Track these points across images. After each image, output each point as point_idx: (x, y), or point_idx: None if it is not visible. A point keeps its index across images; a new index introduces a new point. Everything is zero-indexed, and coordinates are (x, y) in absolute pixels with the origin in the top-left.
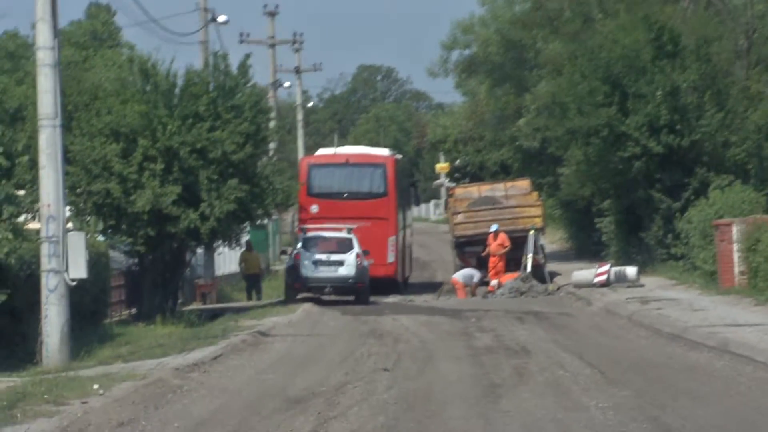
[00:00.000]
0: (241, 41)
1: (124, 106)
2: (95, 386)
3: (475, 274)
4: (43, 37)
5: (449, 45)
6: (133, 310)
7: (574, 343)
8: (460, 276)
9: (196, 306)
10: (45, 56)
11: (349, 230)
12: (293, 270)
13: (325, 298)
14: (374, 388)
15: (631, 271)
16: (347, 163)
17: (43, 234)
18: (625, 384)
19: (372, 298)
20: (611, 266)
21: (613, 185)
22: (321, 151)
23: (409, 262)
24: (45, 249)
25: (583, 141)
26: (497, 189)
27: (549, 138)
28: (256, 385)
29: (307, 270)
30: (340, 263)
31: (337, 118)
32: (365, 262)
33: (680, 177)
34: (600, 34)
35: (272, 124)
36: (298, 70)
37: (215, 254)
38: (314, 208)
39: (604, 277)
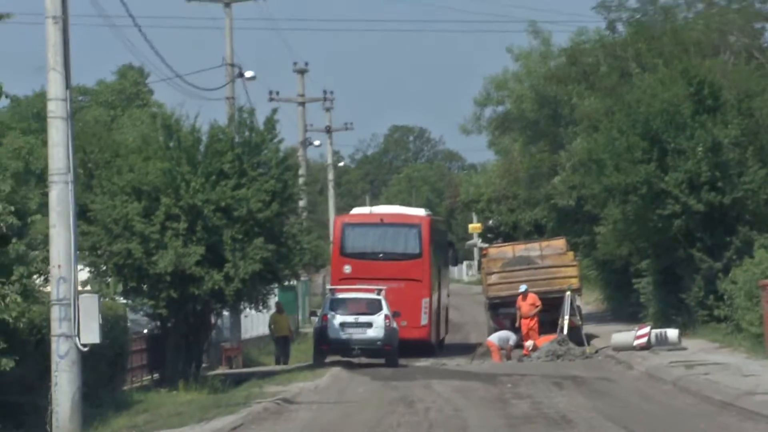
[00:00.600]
0: (271, 99)
1: (146, 163)
2: None
3: (511, 337)
4: (55, 87)
5: (482, 101)
6: (156, 375)
7: (618, 412)
8: (495, 338)
9: (221, 370)
10: (57, 108)
11: (379, 291)
12: (321, 331)
13: (355, 361)
14: None
15: (672, 333)
16: (381, 223)
17: (53, 296)
18: None
19: (404, 361)
20: (651, 328)
21: (651, 244)
22: (356, 210)
23: (445, 324)
24: (55, 312)
25: (620, 198)
26: (532, 249)
27: (585, 196)
28: None
29: (335, 332)
30: (369, 325)
31: (369, 178)
32: (394, 324)
33: (722, 236)
34: (638, 89)
35: (301, 181)
36: (329, 129)
37: (241, 316)
38: (347, 269)
39: (645, 339)
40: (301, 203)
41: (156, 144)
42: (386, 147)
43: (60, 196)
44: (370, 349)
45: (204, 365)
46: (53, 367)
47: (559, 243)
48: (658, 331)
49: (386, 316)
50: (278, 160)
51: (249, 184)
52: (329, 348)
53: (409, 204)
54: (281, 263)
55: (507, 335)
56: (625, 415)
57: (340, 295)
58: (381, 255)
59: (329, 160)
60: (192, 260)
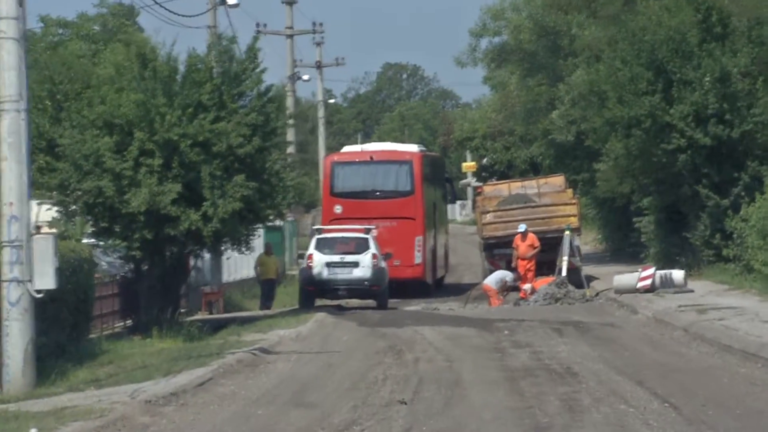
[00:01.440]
0: (258, 31)
1: (119, 95)
2: (32, 430)
3: (507, 275)
4: (6, 4)
5: (478, 32)
6: (129, 322)
7: (627, 363)
8: (492, 281)
9: (201, 316)
10: (8, 28)
11: (368, 230)
12: (306, 272)
13: (344, 303)
14: (387, 431)
15: (678, 275)
16: (372, 161)
17: (4, 237)
18: (711, 426)
19: (395, 304)
20: (656, 270)
21: (655, 181)
22: (346, 149)
23: (444, 263)
24: (6, 255)
25: (623, 133)
26: (529, 186)
27: (585, 131)
28: (238, 426)
29: (321, 272)
30: (355, 264)
31: (362, 117)
32: (383, 263)
33: (730, 172)
34: (642, 16)
35: (286, 114)
36: (319, 65)
37: (223, 259)
38: (338, 209)
39: (649, 281)
40: (289, 138)
41: (130, 74)
42: (379, 85)
43: (12, 126)
44: (357, 289)
45: (182, 311)
46: (3, 315)
47: (558, 180)
48: (662, 272)
49: (374, 255)
50: (260, 92)
51: (229, 117)
52: (315, 290)
53: (402, 142)
54: (263, 202)
55: (503, 275)
56: (635, 366)
57: (326, 235)
58: (372, 193)
59: (319, 97)
60: (167, 199)
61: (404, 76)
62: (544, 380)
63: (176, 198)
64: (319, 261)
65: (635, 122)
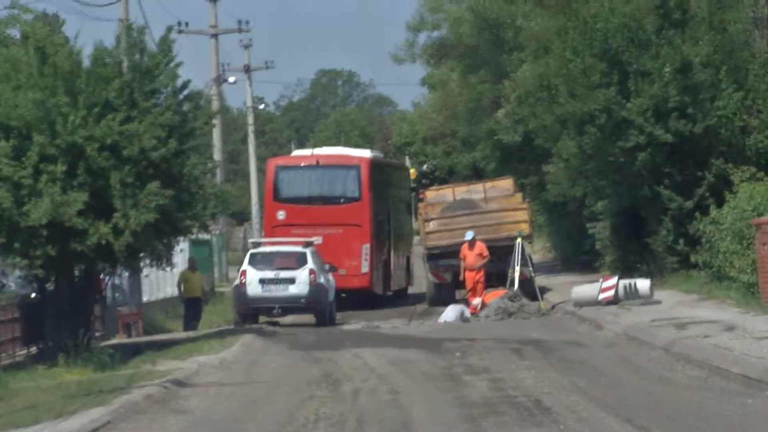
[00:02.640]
0: (180, 31)
1: (15, 93)
2: None
3: (465, 310)
4: None
5: (416, 26)
6: (34, 350)
7: (607, 394)
8: (450, 317)
9: (117, 340)
10: None
11: (308, 244)
12: (239, 290)
13: (281, 320)
14: None
15: (643, 284)
16: (318, 165)
17: None
18: None
19: (342, 316)
20: (618, 279)
21: (611, 183)
22: (295, 153)
23: (405, 275)
24: None
25: (576, 130)
26: (475, 191)
27: (534, 129)
28: None
29: (254, 289)
30: (291, 281)
31: (296, 126)
32: (322, 279)
33: (693, 170)
34: (594, 2)
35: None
36: (247, 69)
37: (141, 276)
38: (281, 215)
39: (612, 292)
40: (214, 142)
41: (27, 70)
42: (313, 92)
43: None
44: (293, 307)
45: (97, 334)
46: None
47: (506, 183)
48: (626, 282)
49: (311, 271)
50: (176, 89)
51: (141, 117)
52: (248, 308)
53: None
54: (182, 212)
55: (460, 309)
56: (617, 397)
57: (261, 249)
58: (317, 199)
59: (248, 103)
60: (73, 210)
61: (339, 82)
62: (511, 419)
63: (83, 209)
64: (252, 278)
65: (589, 118)
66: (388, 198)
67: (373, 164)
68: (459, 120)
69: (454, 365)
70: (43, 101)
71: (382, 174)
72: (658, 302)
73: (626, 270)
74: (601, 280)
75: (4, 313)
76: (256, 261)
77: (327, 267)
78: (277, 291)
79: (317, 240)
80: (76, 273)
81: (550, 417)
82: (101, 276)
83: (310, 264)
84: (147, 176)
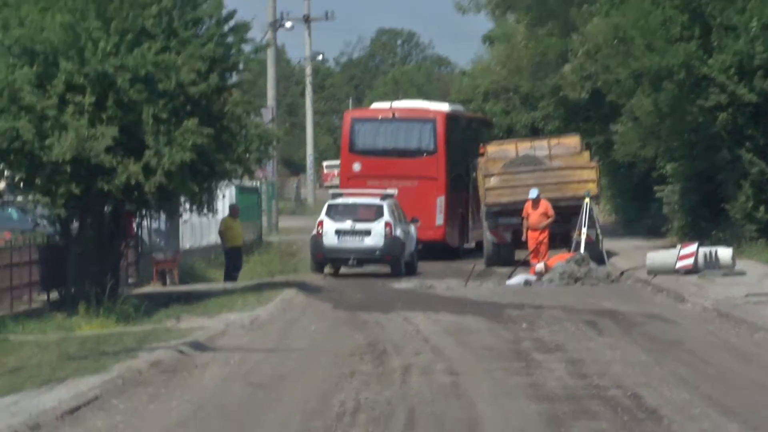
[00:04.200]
0: None
1: (42, 15)
2: None
3: (530, 278)
4: None
5: None
6: (54, 295)
7: (724, 391)
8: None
9: (151, 288)
10: None
11: (385, 196)
12: (316, 240)
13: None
14: None
15: (724, 253)
16: (394, 118)
17: None
18: None
19: (380, 282)
20: (698, 247)
21: (686, 144)
22: (374, 106)
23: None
24: None
25: (652, 86)
26: (539, 147)
27: (604, 86)
28: None
29: (330, 240)
30: (367, 233)
31: (354, 82)
32: (399, 232)
33: None
34: None
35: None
36: (307, 18)
37: (181, 222)
38: (356, 167)
39: (691, 260)
40: (269, 88)
41: None
42: (373, 50)
43: None
44: (368, 259)
45: (131, 281)
46: None
47: (572, 141)
48: (706, 249)
49: (387, 224)
50: (220, 18)
51: (180, 48)
52: (324, 258)
53: None
54: (221, 153)
55: (526, 279)
56: (736, 396)
57: (338, 201)
58: (393, 152)
59: (307, 53)
60: (100, 145)
61: (399, 42)
62: (610, 426)
63: (111, 145)
64: (329, 228)
65: (667, 74)
66: (467, 151)
67: (450, 118)
68: (523, 75)
69: (521, 339)
70: (72, 25)
71: (460, 127)
72: (742, 273)
73: (696, 237)
74: (678, 246)
75: (20, 255)
76: (334, 212)
77: (410, 220)
78: (353, 242)
79: (392, 192)
80: (104, 215)
81: (662, 425)
82: (133, 219)
83: (387, 217)
84: (184, 113)
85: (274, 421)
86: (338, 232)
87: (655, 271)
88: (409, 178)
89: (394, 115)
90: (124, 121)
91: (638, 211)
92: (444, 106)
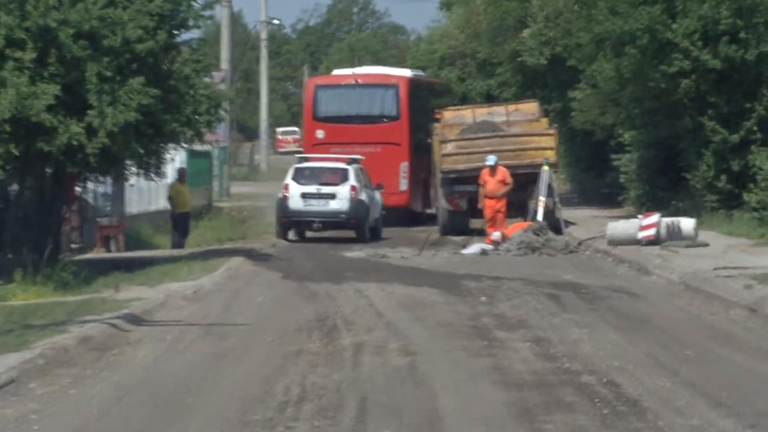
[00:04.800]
0: None
1: None
2: None
3: (485, 246)
4: None
5: None
6: None
7: (708, 377)
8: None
9: (94, 254)
10: None
11: (352, 161)
12: (282, 203)
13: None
14: None
15: (686, 224)
16: (356, 84)
17: None
18: None
19: (334, 248)
20: (660, 217)
21: (648, 111)
22: (335, 72)
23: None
24: None
25: (614, 51)
26: (497, 113)
27: (566, 50)
28: None
29: (296, 203)
30: (332, 196)
31: (310, 50)
32: (364, 196)
33: (741, 101)
34: None
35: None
36: None
37: (127, 186)
38: (320, 133)
39: (653, 231)
40: (225, 58)
41: None
42: (329, 18)
43: None
44: (332, 222)
45: (75, 246)
46: None
47: (530, 107)
48: (668, 220)
49: (352, 187)
50: None
51: (126, 3)
52: (289, 221)
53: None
54: (168, 114)
55: (481, 248)
56: (723, 384)
57: (304, 165)
58: (356, 118)
59: (262, 17)
60: (41, 104)
61: (355, 9)
62: (588, 420)
63: (53, 104)
64: (294, 192)
65: (629, 38)
66: (429, 117)
67: (413, 83)
68: (481, 40)
69: (481, 314)
70: None
71: (422, 93)
72: (705, 245)
73: (654, 207)
74: (640, 216)
75: None
76: (300, 176)
77: (374, 185)
78: (318, 206)
79: (360, 157)
80: (45, 177)
81: (647, 421)
82: (75, 182)
83: (352, 180)
84: (130, 71)
85: (208, 411)
86: (304, 196)
87: (615, 242)
88: (373, 144)
89: (356, 81)
90: (67, 79)
91: (594, 180)
92: (406, 72)
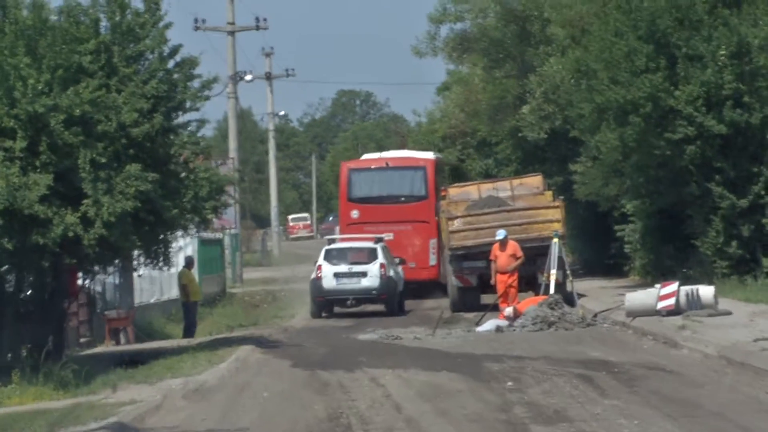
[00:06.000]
0: (196, 28)
1: None
2: None
3: (499, 323)
4: None
5: (438, 18)
6: None
7: None
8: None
9: (104, 348)
10: None
11: (378, 240)
12: (316, 283)
13: (338, 310)
14: None
15: (706, 292)
16: (387, 167)
17: None
18: None
19: (410, 305)
20: (680, 285)
21: (652, 179)
22: (364, 157)
23: None
24: None
25: (617, 121)
26: (501, 188)
27: (558, 129)
28: None
29: (329, 282)
30: (363, 274)
31: (318, 141)
32: (392, 272)
33: (747, 166)
34: None
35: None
36: (269, 76)
37: (136, 276)
38: (355, 213)
39: (672, 300)
40: (232, 148)
41: None
42: (334, 111)
43: None
44: (365, 298)
45: (83, 340)
46: None
47: (534, 180)
48: (687, 288)
49: (381, 265)
50: (163, 52)
51: (120, 86)
52: (324, 300)
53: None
54: (167, 200)
55: (497, 324)
56: None
57: (335, 246)
58: (387, 198)
59: (269, 109)
60: (33, 195)
61: (357, 102)
62: None
63: (46, 194)
64: (327, 271)
65: (632, 107)
66: None
67: (437, 164)
68: (481, 118)
69: (511, 403)
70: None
71: (443, 172)
72: (728, 313)
73: (660, 275)
74: (658, 286)
75: None
76: (331, 256)
77: (396, 260)
78: (350, 284)
79: (388, 236)
80: (44, 270)
81: None
82: (76, 274)
83: (381, 258)
84: (126, 157)
85: None
86: (336, 275)
87: (634, 313)
88: (404, 222)
89: (387, 164)
90: (60, 167)
91: (598, 251)
92: (429, 155)
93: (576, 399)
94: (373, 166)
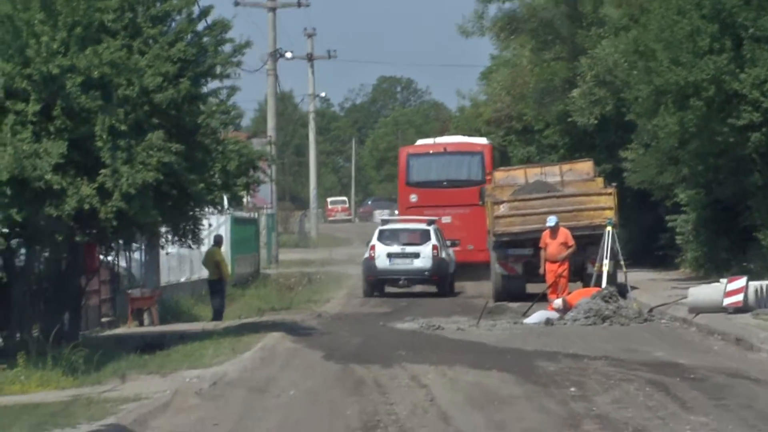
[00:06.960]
0: (236, 3)
1: None
2: None
3: (550, 315)
4: None
5: None
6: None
7: None
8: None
9: (126, 329)
10: None
11: (430, 222)
12: (368, 263)
13: (392, 290)
14: None
15: None
16: (445, 152)
17: None
18: None
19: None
20: (747, 281)
21: (711, 168)
22: (420, 142)
23: None
24: None
25: (677, 104)
26: (550, 173)
27: (608, 114)
28: None
29: (382, 262)
30: (416, 255)
31: (358, 126)
32: (444, 254)
33: None
34: None
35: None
36: (310, 57)
37: (163, 253)
38: (413, 198)
39: (740, 296)
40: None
41: None
42: (374, 96)
43: None
44: (417, 279)
45: (105, 320)
46: None
47: (585, 166)
48: (756, 284)
49: (434, 246)
50: (192, 13)
51: (144, 48)
52: (376, 279)
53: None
54: (194, 173)
55: (546, 316)
56: None
57: (389, 226)
58: (445, 183)
59: (310, 90)
60: (46, 163)
61: (398, 88)
62: None
63: (60, 163)
64: (381, 252)
65: (694, 90)
66: None
67: (494, 149)
68: (528, 101)
69: (578, 416)
70: (10, 16)
71: (497, 158)
72: None
73: (713, 268)
74: (725, 281)
75: None
76: (384, 237)
77: (448, 243)
78: (403, 264)
79: (446, 219)
80: (58, 245)
81: None
82: (95, 249)
83: (433, 240)
84: (148, 125)
85: None
86: (390, 255)
87: (697, 309)
88: (461, 206)
89: (445, 149)
90: (76, 134)
91: (647, 242)
92: (484, 140)
93: (654, 413)
94: (431, 151)
